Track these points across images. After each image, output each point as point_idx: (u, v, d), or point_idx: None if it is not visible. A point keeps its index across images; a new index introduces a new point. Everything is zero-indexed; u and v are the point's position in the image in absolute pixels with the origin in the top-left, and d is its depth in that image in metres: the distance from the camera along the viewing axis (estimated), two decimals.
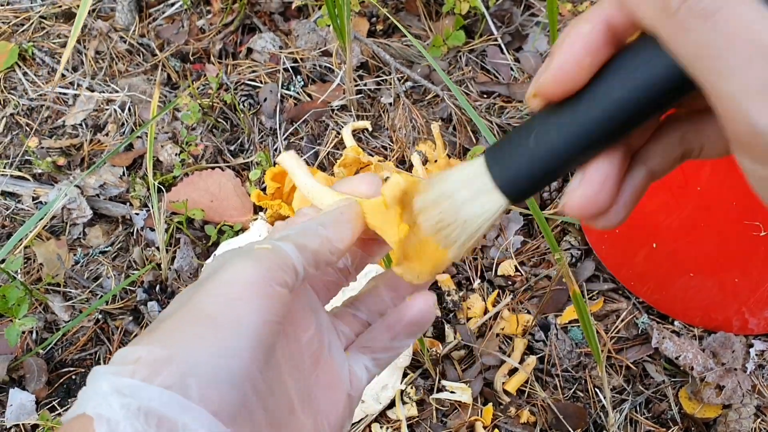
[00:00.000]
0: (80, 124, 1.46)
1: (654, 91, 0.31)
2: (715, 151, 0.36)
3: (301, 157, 1.38)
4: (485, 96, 1.46)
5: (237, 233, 1.27)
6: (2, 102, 1.49)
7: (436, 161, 1.33)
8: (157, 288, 1.23)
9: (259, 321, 0.36)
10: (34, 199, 1.35)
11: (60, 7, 1.61)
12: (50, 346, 1.20)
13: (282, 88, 1.47)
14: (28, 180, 1.38)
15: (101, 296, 1.24)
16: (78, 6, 1.59)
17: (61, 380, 1.18)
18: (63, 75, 1.52)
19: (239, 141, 1.42)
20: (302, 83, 1.48)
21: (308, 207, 0.47)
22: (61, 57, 1.54)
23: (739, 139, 0.28)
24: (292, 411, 0.42)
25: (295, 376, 0.43)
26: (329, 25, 1.49)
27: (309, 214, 0.46)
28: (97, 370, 0.36)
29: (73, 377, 1.18)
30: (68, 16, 1.59)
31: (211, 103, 1.43)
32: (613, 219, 0.36)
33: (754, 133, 0.27)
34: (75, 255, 1.29)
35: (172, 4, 1.61)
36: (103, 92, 1.49)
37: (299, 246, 0.40)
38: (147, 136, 1.40)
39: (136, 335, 1.20)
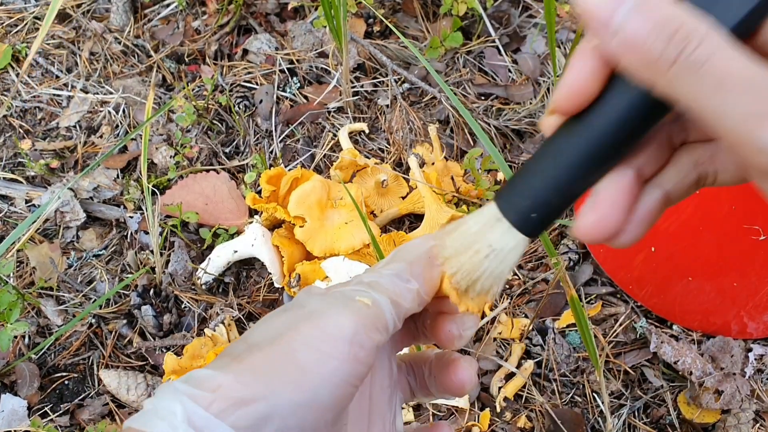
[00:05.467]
0: (74, 126, 1.44)
1: (650, 105, 0.34)
2: (728, 176, 0.37)
3: (297, 159, 1.37)
4: (483, 98, 1.45)
5: (232, 236, 1.26)
6: None
7: (433, 164, 1.32)
8: (151, 292, 1.22)
9: (345, 382, 0.37)
10: (27, 201, 1.34)
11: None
12: (43, 350, 1.19)
13: (278, 89, 1.46)
14: (21, 182, 1.36)
15: (95, 300, 1.23)
16: (72, 6, 1.58)
17: (54, 385, 1.17)
18: (57, 76, 1.51)
19: (234, 143, 1.41)
20: (298, 85, 1.47)
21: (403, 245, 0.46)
22: (55, 58, 1.53)
23: (755, 164, 0.31)
24: None
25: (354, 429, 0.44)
26: (325, 26, 1.48)
27: (401, 256, 0.44)
28: (174, 385, 0.36)
29: (66, 382, 1.17)
30: (62, 17, 1.58)
31: (206, 105, 1.42)
32: (625, 239, 0.38)
33: (761, 152, 0.30)
34: (68, 258, 1.28)
35: (168, 5, 1.60)
36: (98, 94, 1.48)
37: (394, 302, 0.40)
38: (141, 138, 1.39)
39: (130, 340, 1.19)
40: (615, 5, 0.32)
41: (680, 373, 1.13)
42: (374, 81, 1.46)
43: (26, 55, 1.53)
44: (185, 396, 0.35)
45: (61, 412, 1.14)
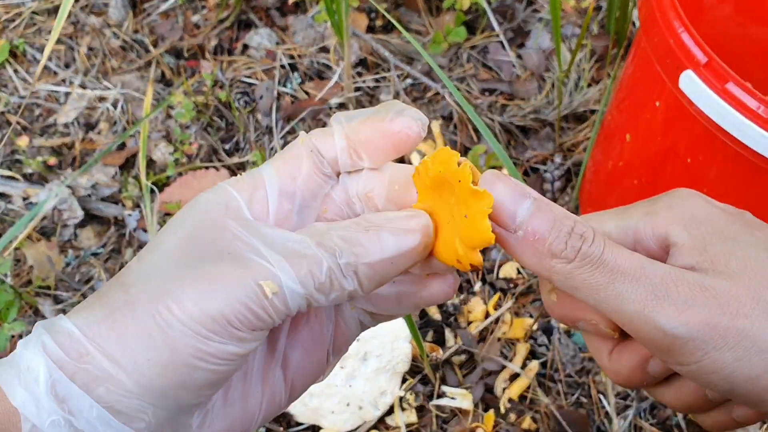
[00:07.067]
0: (72, 123, 1.43)
1: None
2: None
3: None
4: (487, 93, 1.43)
5: None
6: None
7: None
8: None
9: (223, 362, 0.33)
10: (24, 199, 1.32)
11: (52, 2, 1.58)
12: None
13: (279, 85, 1.44)
14: (18, 180, 1.35)
15: None
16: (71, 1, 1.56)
17: None
18: (54, 72, 1.49)
19: (234, 140, 1.39)
20: (299, 80, 1.45)
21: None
22: (53, 53, 1.51)
23: (658, 345, 0.34)
24: (241, 383, 0.39)
25: (267, 348, 0.40)
26: (327, 21, 1.46)
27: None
28: (42, 338, 0.33)
29: None
30: None
31: (205, 101, 1.41)
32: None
33: (665, 335, 0.33)
34: (66, 257, 1.26)
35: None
36: (96, 90, 1.46)
37: (308, 296, 0.34)
38: (140, 135, 1.37)
39: None
40: (516, 203, 0.34)
41: None
42: (376, 76, 1.44)
43: (24, 50, 1.51)
44: (50, 358, 0.33)
45: None
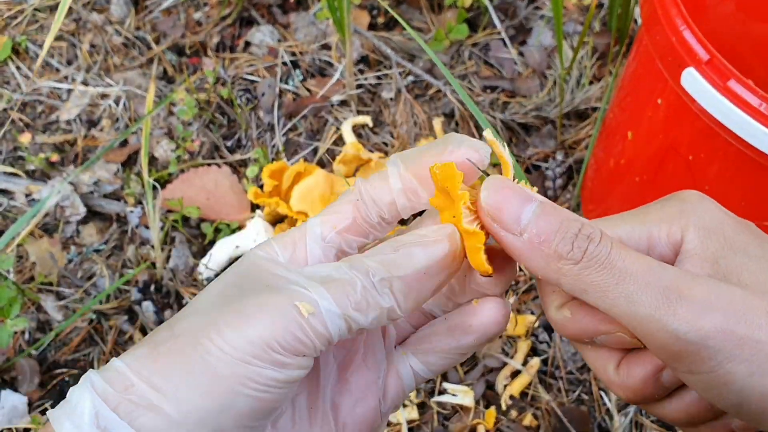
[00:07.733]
0: (74, 120, 1.43)
1: None
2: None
3: (299, 153, 1.36)
4: (488, 91, 1.43)
5: (234, 231, 1.25)
6: None
7: None
8: (152, 287, 1.20)
9: (267, 387, 0.34)
10: (26, 196, 1.32)
11: None
12: (43, 346, 1.17)
13: (280, 82, 1.44)
14: (21, 176, 1.35)
15: (95, 296, 1.21)
16: None
17: (54, 381, 1.15)
18: (57, 69, 1.49)
19: (236, 137, 1.39)
20: (301, 78, 1.45)
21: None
22: (55, 50, 1.51)
23: (672, 356, 0.33)
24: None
25: (310, 390, 0.40)
26: (329, 18, 1.46)
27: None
28: (91, 376, 0.36)
29: (66, 378, 1.16)
30: None
31: (207, 98, 1.41)
32: None
33: (678, 340, 0.31)
34: (68, 253, 1.26)
35: None
36: (98, 86, 1.46)
37: (346, 316, 0.35)
38: (142, 132, 1.37)
39: (130, 336, 1.18)
40: (520, 206, 0.34)
41: None
42: (378, 74, 1.44)
43: (26, 47, 1.51)
44: (96, 393, 0.34)
45: None
